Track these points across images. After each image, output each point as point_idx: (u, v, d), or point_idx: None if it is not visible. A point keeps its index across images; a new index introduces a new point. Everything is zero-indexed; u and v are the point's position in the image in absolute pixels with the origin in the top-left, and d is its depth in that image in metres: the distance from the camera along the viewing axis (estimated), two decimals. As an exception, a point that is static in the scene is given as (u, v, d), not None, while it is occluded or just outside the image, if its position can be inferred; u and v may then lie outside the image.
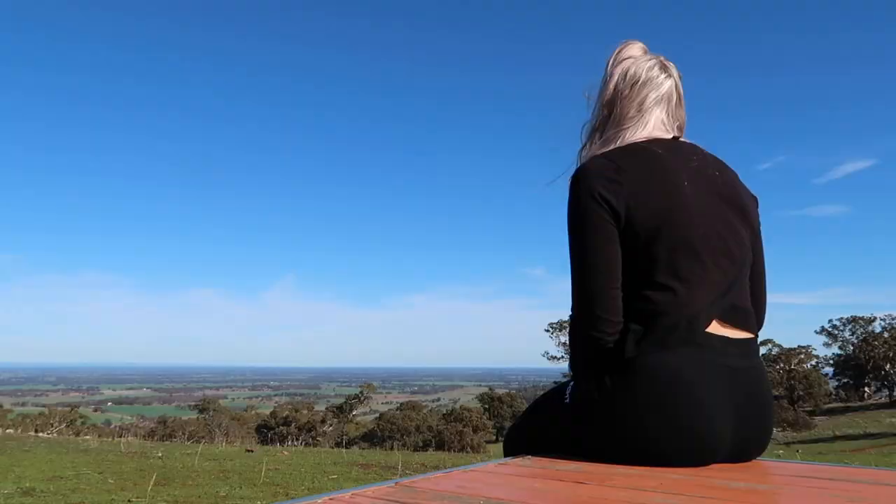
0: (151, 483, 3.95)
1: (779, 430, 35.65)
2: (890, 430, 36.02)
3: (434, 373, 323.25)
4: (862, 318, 53.99)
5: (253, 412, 47.62)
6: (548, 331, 52.34)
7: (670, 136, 1.34)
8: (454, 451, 30.60)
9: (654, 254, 1.20)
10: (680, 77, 1.42)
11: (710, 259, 1.21)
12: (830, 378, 55.42)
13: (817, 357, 55.67)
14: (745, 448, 1.32)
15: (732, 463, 1.41)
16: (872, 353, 50.47)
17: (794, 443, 35.09)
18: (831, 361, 56.09)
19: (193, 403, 52.14)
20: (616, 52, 1.43)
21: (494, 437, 55.09)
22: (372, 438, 43.38)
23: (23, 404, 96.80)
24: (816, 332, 56.65)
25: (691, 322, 1.18)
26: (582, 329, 1.25)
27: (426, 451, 24.82)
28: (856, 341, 53.57)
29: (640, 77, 1.36)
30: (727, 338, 1.22)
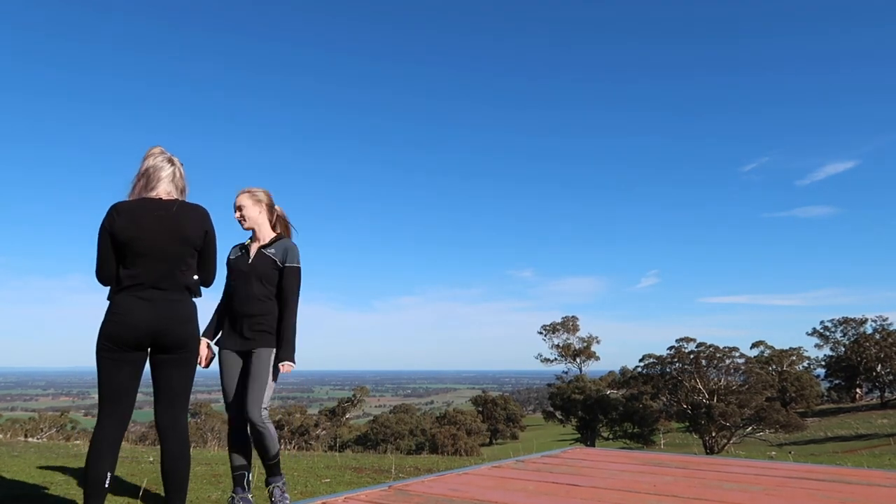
0: (142, 488, 3.92)
1: (771, 431, 35.77)
2: (881, 432, 36.19)
3: (427, 375, 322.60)
4: (853, 320, 54.26)
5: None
6: (541, 333, 52.37)
7: (169, 198, 2.81)
8: (448, 454, 30.56)
9: (125, 254, 2.69)
10: (181, 164, 2.92)
11: (152, 258, 2.69)
12: (822, 379, 55.62)
13: (809, 358, 55.92)
14: (164, 335, 2.67)
15: (164, 352, 2.72)
16: (864, 355, 50.74)
17: (786, 444, 35.19)
18: (823, 363, 56.30)
19: (185, 407, 51.57)
20: (148, 150, 2.88)
21: (489, 440, 55.08)
22: (365, 442, 43.25)
23: (12, 409, 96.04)
24: (808, 334, 56.98)
25: (134, 284, 2.66)
26: (101, 282, 2.74)
27: (420, 454, 24.76)
28: (847, 343, 53.80)
29: (156, 165, 2.84)
30: (156, 289, 2.68)
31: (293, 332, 3.42)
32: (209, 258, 2.90)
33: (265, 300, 3.41)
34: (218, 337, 3.52)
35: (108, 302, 2.71)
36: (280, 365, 3.35)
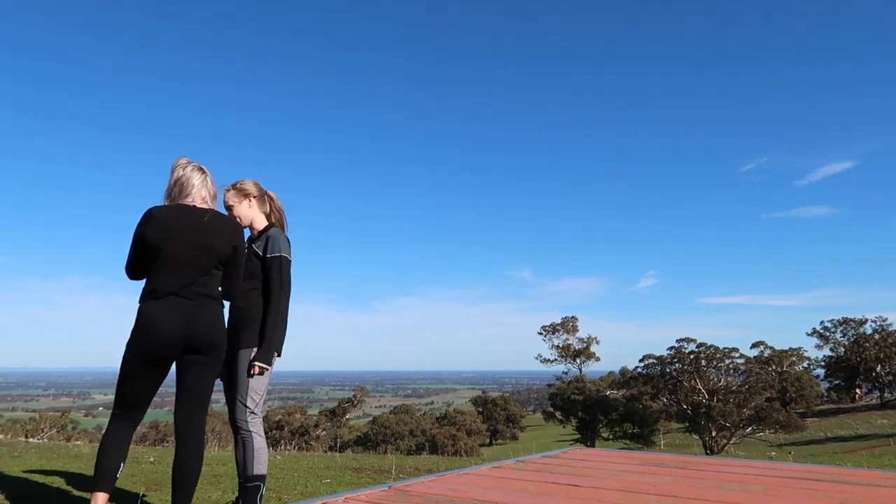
0: (143, 488, 3.91)
1: (771, 431, 35.75)
2: (881, 432, 36.18)
3: (427, 376, 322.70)
4: (853, 320, 54.23)
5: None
6: (541, 333, 52.34)
7: (202, 206, 2.85)
8: (448, 454, 30.55)
9: (152, 259, 2.71)
10: (210, 173, 2.96)
11: (176, 265, 2.70)
12: (822, 380, 55.60)
13: (809, 359, 55.89)
14: (196, 339, 2.68)
15: (196, 353, 2.72)
16: (864, 355, 50.70)
17: (786, 444, 35.17)
18: (823, 363, 56.27)
19: (185, 408, 51.48)
20: (175, 161, 2.92)
21: (489, 441, 55.04)
22: (365, 442, 43.22)
23: (13, 409, 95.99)
24: (808, 334, 56.94)
25: (160, 291, 2.66)
26: (128, 277, 2.83)
27: (420, 454, 24.75)
28: (847, 343, 53.77)
29: (188, 175, 2.88)
30: (180, 297, 2.68)
31: (276, 332, 3.07)
32: (235, 273, 2.92)
33: (249, 296, 3.13)
34: None
35: (118, 307, 2.73)
36: (251, 364, 3.02)
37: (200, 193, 2.88)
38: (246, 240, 3.29)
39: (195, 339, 2.67)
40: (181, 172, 2.88)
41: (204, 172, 2.94)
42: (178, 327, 2.64)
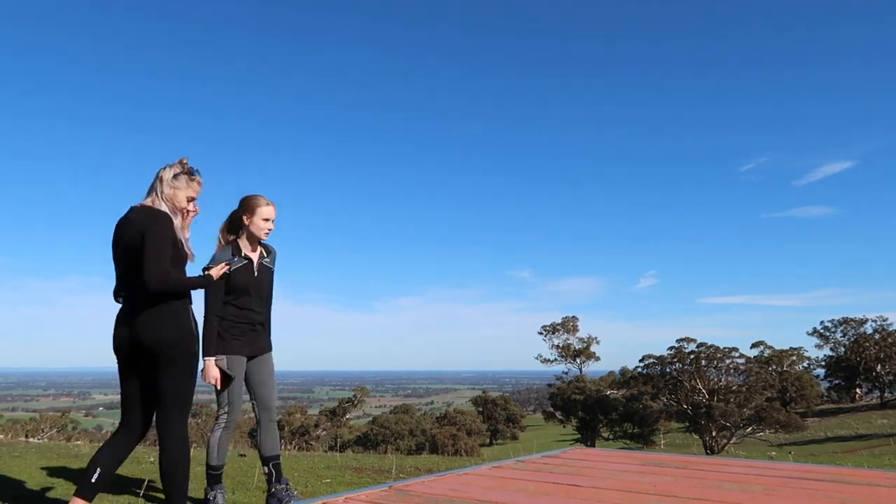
0: (143, 489, 3.92)
1: (771, 431, 35.76)
2: (881, 432, 36.19)
3: (427, 376, 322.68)
4: (853, 320, 54.23)
5: (245, 416, 47.25)
6: (541, 333, 52.35)
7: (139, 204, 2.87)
8: (448, 454, 30.56)
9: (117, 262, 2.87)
10: (169, 169, 2.90)
11: (119, 267, 2.83)
12: (822, 380, 55.62)
13: (809, 359, 55.90)
14: (141, 341, 2.72)
15: (144, 355, 2.76)
16: (864, 355, 50.71)
17: (786, 444, 35.17)
18: (823, 363, 56.30)
19: (186, 408, 51.46)
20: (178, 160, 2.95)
21: (489, 441, 55.06)
22: (365, 442, 43.23)
23: (13, 409, 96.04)
24: (808, 334, 56.93)
25: (117, 298, 2.87)
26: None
27: (420, 454, 24.74)
28: (847, 343, 53.78)
29: (164, 175, 2.86)
30: (126, 300, 2.81)
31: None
32: (141, 258, 2.68)
33: (269, 305, 3.68)
34: (224, 348, 3.39)
35: (118, 307, 2.92)
36: None
37: (151, 195, 2.85)
38: (243, 252, 3.56)
39: (140, 340, 2.75)
40: (165, 171, 2.88)
41: (177, 178, 2.85)
42: (124, 330, 2.80)
